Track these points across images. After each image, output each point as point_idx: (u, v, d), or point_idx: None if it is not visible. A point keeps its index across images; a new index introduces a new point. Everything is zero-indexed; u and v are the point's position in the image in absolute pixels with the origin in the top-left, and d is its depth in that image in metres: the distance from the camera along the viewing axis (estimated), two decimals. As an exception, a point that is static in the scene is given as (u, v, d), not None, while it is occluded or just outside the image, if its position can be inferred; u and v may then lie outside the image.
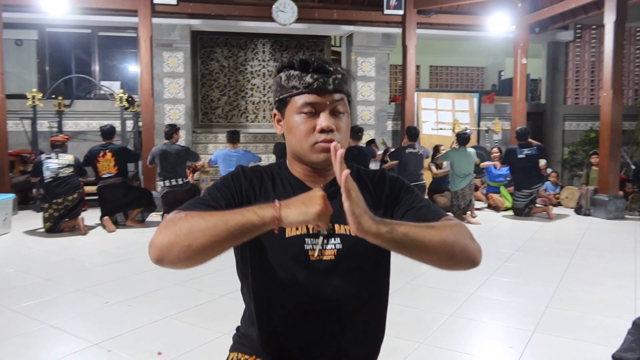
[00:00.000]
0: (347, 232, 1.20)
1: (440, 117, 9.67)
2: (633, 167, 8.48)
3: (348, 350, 1.23)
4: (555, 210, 7.52)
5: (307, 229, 1.19)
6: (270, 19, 8.11)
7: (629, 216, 7.25)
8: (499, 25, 8.32)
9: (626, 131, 10.03)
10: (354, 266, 1.20)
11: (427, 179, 7.48)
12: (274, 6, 7.95)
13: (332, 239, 1.20)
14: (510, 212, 7.52)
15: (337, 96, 1.17)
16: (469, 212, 6.94)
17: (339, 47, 11.33)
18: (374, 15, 8.52)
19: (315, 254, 1.18)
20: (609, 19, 6.96)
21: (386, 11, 8.21)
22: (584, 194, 7.56)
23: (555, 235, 6.09)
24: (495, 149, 8.28)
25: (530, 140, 7.26)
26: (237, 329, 1.39)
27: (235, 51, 10.32)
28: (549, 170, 8.69)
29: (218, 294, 3.69)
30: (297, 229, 1.18)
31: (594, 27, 10.96)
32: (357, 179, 1.26)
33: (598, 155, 8.26)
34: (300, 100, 1.17)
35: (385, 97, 9.87)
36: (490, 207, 7.96)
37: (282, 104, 1.21)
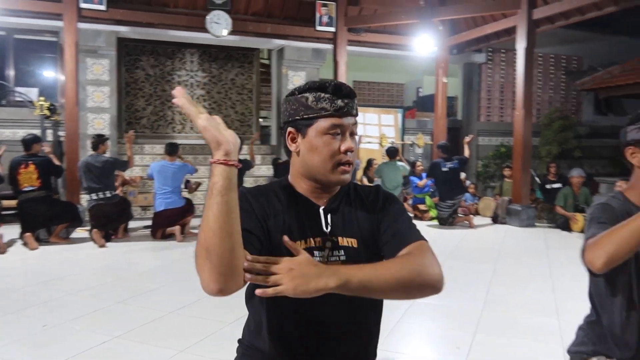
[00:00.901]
0: (350, 245, 1.29)
1: (367, 131, 10.06)
2: (538, 180, 9.32)
3: (352, 355, 1.31)
4: (475, 220, 8.10)
5: (314, 242, 1.26)
6: (203, 29, 8.02)
7: (539, 224, 7.97)
8: (423, 46, 8.85)
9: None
10: None
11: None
12: (207, 17, 7.88)
13: (337, 250, 1.27)
14: (435, 222, 7.98)
15: (355, 120, 1.28)
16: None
17: (267, 60, 11.43)
18: (306, 30, 8.72)
19: None
20: (520, 45, 7.68)
21: (318, 27, 8.44)
22: (499, 204, 8.21)
23: (478, 243, 6.56)
24: (419, 162, 8.75)
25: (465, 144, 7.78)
26: (240, 341, 1.42)
27: (162, 60, 10.06)
28: (467, 182, 9.33)
29: (166, 311, 3.60)
30: (305, 242, 1.24)
31: (503, 50, 11.98)
32: (353, 195, 1.36)
33: (510, 169, 9.04)
34: (328, 122, 1.23)
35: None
36: (416, 217, 8.38)
37: (304, 124, 1.25)
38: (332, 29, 8.54)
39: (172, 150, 6.44)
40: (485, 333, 3.31)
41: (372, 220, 1.33)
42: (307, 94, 1.25)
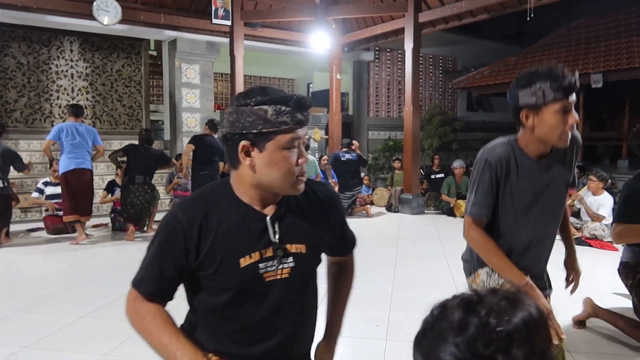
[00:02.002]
0: (298, 251, 1.29)
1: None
2: (421, 171, 10.11)
3: (295, 352, 1.38)
4: (371, 209, 8.57)
5: (260, 254, 1.25)
6: (89, 16, 7.46)
7: (427, 211, 8.67)
8: (318, 44, 9.11)
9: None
10: (304, 281, 1.33)
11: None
12: (94, 4, 7.33)
13: (285, 258, 1.28)
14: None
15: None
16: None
17: (154, 51, 10.93)
18: (202, 23, 8.50)
19: (270, 274, 1.26)
20: (408, 46, 8.26)
21: (214, 20, 8.28)
22: (393, 194, 8.78)
23: (377, 231, 6.97)
24: (325, 157, 9.02)
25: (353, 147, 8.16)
26: (182, 328, 1.38)
27: (36, 48, 9.12)
28: (362, 174, 9.81)
29: (76, 316, 3.37)
30: (250, 257, 1.24)
31: (388, 50, 12.73)
32: (299, 199, 1.33)
33: (400, 161, 9.70)
34: (288, 137, 1.19)
35: (211, 105, 9.90)
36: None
37: (262, 138, 1.18)
38: (229, 23, 8.43)
39: (78, 112, 6.04)
40: (399, 310, 3.59)
41: (321, 225, 1.35)
42: (265, 107, 1.17)
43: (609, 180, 6.33)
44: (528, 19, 6.59)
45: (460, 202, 7.98)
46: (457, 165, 8.51)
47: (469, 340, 0.62)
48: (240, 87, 8.66)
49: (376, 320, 3.39)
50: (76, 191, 5.81)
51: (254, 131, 1.18)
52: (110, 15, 7.47)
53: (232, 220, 1.24)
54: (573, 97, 1.63)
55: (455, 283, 4.29)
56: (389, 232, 6.89)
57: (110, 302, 3.56)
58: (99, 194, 7.04)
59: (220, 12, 8.32)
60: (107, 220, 7.07)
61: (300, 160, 1.22)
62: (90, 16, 7.46)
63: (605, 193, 6.02)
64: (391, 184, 9.69)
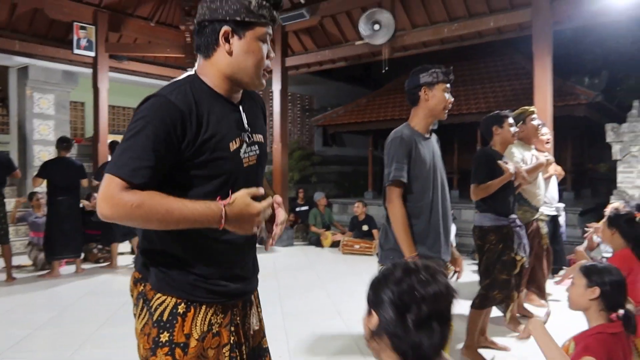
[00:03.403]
0: (259, 140, 1.48)
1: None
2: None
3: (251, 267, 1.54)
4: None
5: (241, 140, 1.40)
6: None
7: (296, 242, 9.16)
8: (188, 80, 9.16)
9: (268, 172, 12.48)
10: (263, 168, 1.53)
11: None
12: None
13: (254, 146, 1.46)
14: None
15: None
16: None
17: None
18: (62, 52, 8.01)
19: (246, 160, 1.42)
20: (276, 87, 8.81)
21: (76, 51, 7.86)
22: (263, 227, 9.08)
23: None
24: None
25: None
26: (149, 259, 1.40)
27: None
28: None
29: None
30: (235, 142, 1.38)
31: (250, 86, 13.20)
32: (248, 97, 1.52)
33: (267, 194, 10.07)
34: (264, 30, 1.35)
35: (66, 137, 9.24)
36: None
37: (244, 26, 1.32)
38: (92, 54, 8.08)
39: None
40: (295, 340, 3.90)
41: (264, 123, 1.57)
42: None
43: None
44: (383, 71, 7.59)
45: (328, 233, 8.64)
46: (320, 197, 9.23)
47: (399, 291, 1.06)
48: (104, 120, 8.30)
49: (278, 352, 3.66)
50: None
51: (237, 19, 1.30)
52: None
53: (216, 108, 1.35)
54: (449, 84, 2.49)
55: (337, 309, 4.75)
56: (266, 264, 7.17)
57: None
58: None
59: (83, 43, 7.95)
60: None
61: (270, 55, 1.40)
62: None
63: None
64: (259, 217, 10.00)
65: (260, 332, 1.60)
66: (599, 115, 10.42)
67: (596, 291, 1.89)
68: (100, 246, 7.12)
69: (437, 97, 2.45)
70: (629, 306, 2.06)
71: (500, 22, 6.70)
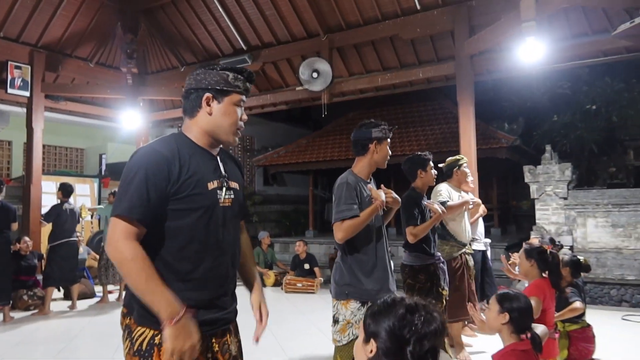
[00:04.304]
0: (234, 187, 1.75)
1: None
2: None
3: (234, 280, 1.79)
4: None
5: (219, 182, 1.67)
6: None
7: (239, 282, 9.10)
8: (129, 121, 9.13)
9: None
10: (238, 212, 1.77)
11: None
12: None
13: (230, 191, 1.72)
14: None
15: None
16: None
17: None
18: (-6, 92, 7.81)
19: (222, 201, 1.67)
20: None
21: (10, 90, 7.66)
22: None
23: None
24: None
25: None
26: (132, 296, 1.58)
27: None
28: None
29: None
30: (213, 183, 1.65)
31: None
32: (224, 154, 1.82)
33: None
34: (238, 97, 1.70)
35: (-7, 178, 8.85)
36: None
37: (222, 94, 1.66)
38: (27, 94, 7.90)
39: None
40: None
41: (240, 177, 1.85)
42: (227, 72, 1.68)
43: None
44: (323, 115, 7.98)
45: (270, 272, 8.72)
46: (264, 236, 9.32)
47: (401, 326, 1.18)
48: (38, 161, 8.07)
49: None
50: None
51: (217, 87, 1.66)
52: None
53: (196, 155, 1.65)
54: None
55: (282, 347, 4.84)
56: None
57: None
58: None
59: (18, 82, 7.78)
60: None
61: (243, 117, 1.73)
62: None
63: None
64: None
65: (240, 358, 1.76)
66: (518, 156, 11.37)
67: (506, 316, 2.24)
68: (31, 292, 6.79)
69: (384, 152, 2.74)
70: (540, 329, 2.41)
71: (428, 73, 7.32)
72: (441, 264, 3.64)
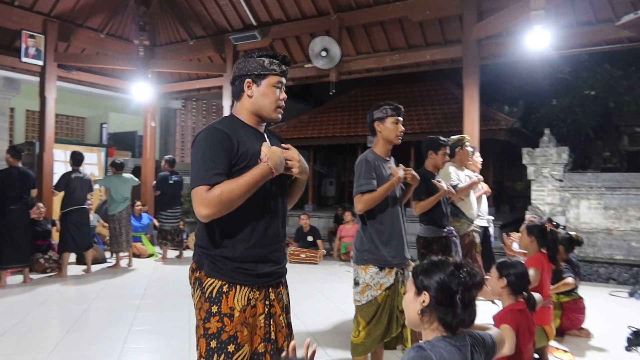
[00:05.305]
0: None
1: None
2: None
3: (281, 254, 1.99)
4: (186, 253, 8.94)
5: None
6: None
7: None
8: (140, 93, 9.27)
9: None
10: (284, 178, 1.98)
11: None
12: None
13: None
14: (154, 259, 8.46)
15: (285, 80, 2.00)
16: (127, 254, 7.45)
17: None
18: (9, 60, 7.90)
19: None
20: (227, 102, 9.15)
21: (24, 59, 7.77)
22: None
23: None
24: (139, 203, 9.05)
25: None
26: (203, 253, 1.86)
27: None
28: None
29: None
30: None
31: (194, 99, 13.37)
32: (267, 130, 2.06)
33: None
34: (276, 78, 1.90)
35: (5, 145, 9.01)
36: (135, 255, 8.57)
37: (260, 77, 1.88)
38: (40, 62, 8.02)
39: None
40: None
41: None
42: (264, 58, 1.89)
43: None
44: (331, 93, 8.18)
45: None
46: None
47: (448, 277, 1.44)
48: (51, 129, 8.24)
49: None
50: None
51: (255, 73, 1.88)
52: None
53: (248, 133, 1.89)
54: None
55: (293, 310, 5.16)
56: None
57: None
58: None
59: (31, 51, 7.89)
60: None
61: (281, 96, 1.93)
62: None
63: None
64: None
65: (289, 307, 2.05)
66: (517, 139, 11.67)
67: (504, 281, 2.65)
68: (46, 256, 7.07)
69: (387, 129, 2.96)
70: (536, 296, 2.77)
71: (435, 55, 7.52)
72: (454, 238, 3.93)
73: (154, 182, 8.55)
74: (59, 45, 8.41)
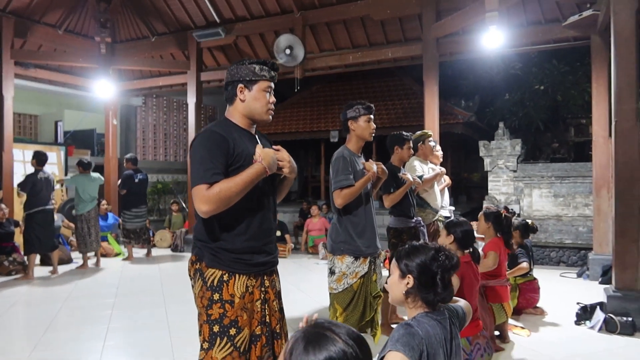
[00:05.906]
0: None
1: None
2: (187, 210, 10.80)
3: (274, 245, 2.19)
4: (155, 251, 8.93)
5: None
6: None
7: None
8: (102, 90, 9.13)
9: (180, 182, 12.65)
10: (274, 176, 2.12)
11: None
12: None
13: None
14: (120, 258, 8.42)
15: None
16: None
17: None
18: (-37, 58, 7.66)
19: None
20: (191, 100, 9.14)
21: (-22, 57, 7.57)
22: (178, 235, 9.33)
23: (179, 270, 7.48)
24: (104, 202, 8.96)
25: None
26: (203, 246, 2.02)
27: None
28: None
29: None
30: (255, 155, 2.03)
31: (154, 96, 13.21)
32: (257, 132, 2.22)
33: (177, 204, 10.34)
34: (266, 83, 2.07)
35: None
36: (102, 255, 8.47)
37: (252, 83, 2.04)
38: (-5, 60, 7.81)
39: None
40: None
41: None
42: (254, 65, 2.06)
43: None
44: (296, 90, 8.34)
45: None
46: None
47: (429, 261, 1.64)
48: (9, 128, 8.03)
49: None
50: None
51: (247, 78, 2.05)
52: None
53: (241, 135, 2.04)
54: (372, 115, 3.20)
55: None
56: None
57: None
58: None
59: (-15, 49, 7.66)
60: None
61: (271, 100, 2.11)
62: None
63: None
64: (169, 226, 10.18)
65: (280, 293, 2.25)
66: (473, 132, 12.19)
67: (451, 237, 3.12)
68: (10, 258, 6.94)
69: (361, 127, 3.14)
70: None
71: (396, 53, 7.82)
72: (421, 227, 4.21)
73: (119, 181, 8.48)
74: (15, 41, 8.18)
